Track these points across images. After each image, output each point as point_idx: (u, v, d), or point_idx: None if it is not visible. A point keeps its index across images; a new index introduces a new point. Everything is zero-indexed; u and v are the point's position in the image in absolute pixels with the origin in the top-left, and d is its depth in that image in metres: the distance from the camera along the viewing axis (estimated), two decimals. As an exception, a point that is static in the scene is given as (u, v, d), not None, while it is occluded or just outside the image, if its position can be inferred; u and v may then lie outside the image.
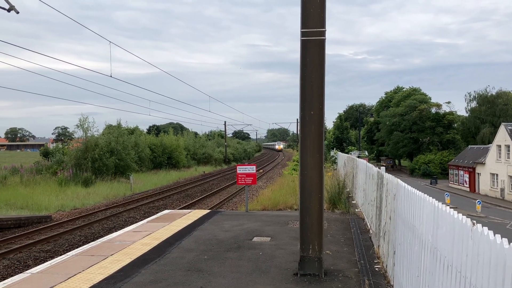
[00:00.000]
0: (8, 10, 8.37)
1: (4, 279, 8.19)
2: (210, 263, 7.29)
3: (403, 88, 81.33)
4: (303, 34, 6.65)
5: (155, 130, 64.06)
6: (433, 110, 71.09)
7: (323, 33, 6.63)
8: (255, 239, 9.08)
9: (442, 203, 3.64)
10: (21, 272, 7.07)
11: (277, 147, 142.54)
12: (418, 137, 70.65)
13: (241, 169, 12.93)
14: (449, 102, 74.19)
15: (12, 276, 8.92)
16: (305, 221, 6.69)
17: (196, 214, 12.43)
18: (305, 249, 6.68)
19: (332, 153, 41.69)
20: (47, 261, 9.80)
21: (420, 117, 68.98)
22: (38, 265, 7.57)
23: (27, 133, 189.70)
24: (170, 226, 10.52)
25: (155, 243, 8.80)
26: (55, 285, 6.26)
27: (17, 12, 8.39)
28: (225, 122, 71.94)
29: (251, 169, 12.94)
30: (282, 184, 25.63)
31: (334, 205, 13.73)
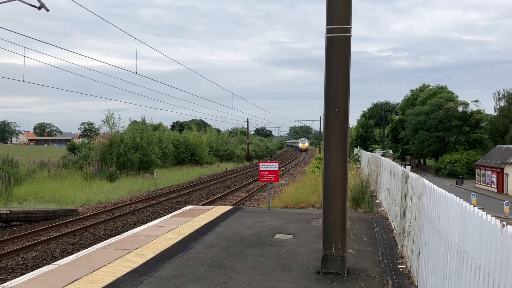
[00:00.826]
0: (39, 8, 8.57)
1: (33, 270, 8.42)
2: (233, 259, 7.33)
3: (429, 86, 79.84)
4: (328, 31, 6.59)
5: (179, 126, 64.74)
6: (460, 108, 69.56)
7: (348, 30, 6.57)
8: (277, 236, 9.08)
9: (470, 204, 3.56)
10: (49, 264, 7.26)
11: (300, 145, 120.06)
12: (444, 136, 69.27)
13: (263, 166, 12.93)
14: (476, 101, 72.36)
15: (40, 267, 9.17)
16: (328, 219, 6.65)
17: (218, 210, 12.50)
18: (327, 248, 6.64)
19: (355, 151, 41.27)
20: (73, 253, 10.03)
21: (446, 115, 67.61)
22: (65, 257, 7.76)
23: (54, 128, 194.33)
24: (193, 222, 10.62)
25: (178, 238, 8.90)
26: (81, 277, 6.40)
27: (47, 10, 8.59)
28: (247, 119, 72.12)
29: (274, 166, 12.93)
30: (305, 182, 25.56)
31: (358, 204, 13.61)
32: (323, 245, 6.69)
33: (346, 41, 6.56)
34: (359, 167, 28.69)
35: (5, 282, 6.30)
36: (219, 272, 6.67)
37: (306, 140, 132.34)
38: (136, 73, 17.72)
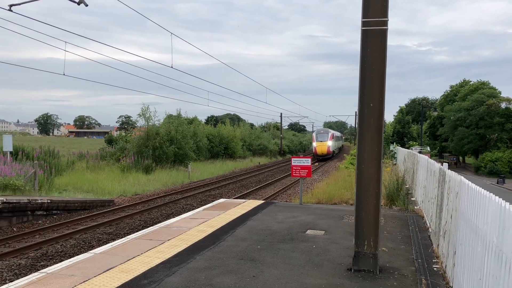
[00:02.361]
0: (78, 3, 8.80)
1: (71, 257, 8.72)
2: (263, 253, 7.34)
3: (470, 81, 77.10)
4: (364, 24, 6.45)
5: (213, 120, 65.22)
6: (503, 105, 66.80)
7: (385, 23, 6.40)
8: (308, 232, 9.03)
9: (510, 204, 3.41)
10: (85, 252, 7.49)
11: (315, 144, 56.22)
12: (485, 133, 66.79)
13: (296, 161, 12.86)
14: (521, 97, 69.34)
15: (77, 255, 9.48)
16: (361, 216, 6.54)
17: (250, 204, 12.54)
18: (360, 245, 6.54)
19: (391, 147, 40.44)
20: (109, 242, 10.30)
21: (488, 112, 65.13)
22: (101, 246, 7.98)
23: (93, 121, 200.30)
24: (225, 215, 10.70)
25: (210, 230, 8.99)
26: (115, 266, 6.56)
27: (86, 5, 8.81)
28: (281, 114, 71.87)
29: (306, 161, 12.83)
30: (338, 178, 25.28)
31: (392, 202, 13.34)
32: (355, 242, 6.59)
33: (382, 34, 6.41)
34: (395, 164, 28.11)
35: (45, 267, 6.54)
36: (250, 265, 6.69)
37: (329, 134, 58.59)
38: (172, 67, 17.97)
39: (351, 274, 6.36)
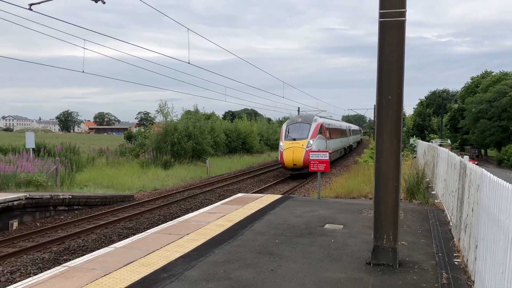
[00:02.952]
0: (96, 1, 8.91)
1: (92, 251, 8.87)
2: (281, 247, 7.34)
3: (492, 72, 75.41)
4: (381, 15, 6.36)
5: (230, 115, 65.39)
6: (527, 96, 65.22)
7: (403, 14, 6.30)
8: (327, 226, 8.99)
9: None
10: (106, 246, 7.61)
11: (282, 145, 27.39)
12: (508, 125, 65.30)
13: (313, 155, 12.80)
14: (545, 88, 67.58)
15: (99, 249, 9.64)
16: (380, 210, 6.48)
17: (268, 198, 12.55)
18: (379, 239, 6.48)
19: (411, 140, 39.93)
20: (129, 237, 10.44)
21: (511, 103, 63.71)
22: (121, 240, 8.09)
23: (113, 118, 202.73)
24: (243, 209, 10.73)
25: (228, 224, 9.03)
26: (136, 260, 6.65)
27: (104, 3, 8.90)
28: (298, 108, 71.38)
29: (324, 155, 12.76)
30: (357, 172, 25.09)
31: (412, 195, 13.18)
32: (374, 236, 6.54)
33: (400, 26, 6.31)
34: (415, 157, 27.77)
35: (68, 261, 6.68)
36: (268, 259, 6.70)
37: (315, 125, 28.56)
38: (189, 63, 18.07)
39: (370, 268, 6.31)
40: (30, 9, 9.30)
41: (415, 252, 7.15)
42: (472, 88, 76.17)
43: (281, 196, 13.45)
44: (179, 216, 14.29)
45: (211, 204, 15.11)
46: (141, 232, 8.78)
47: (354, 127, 67.55)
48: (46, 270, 6.65)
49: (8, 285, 5.74)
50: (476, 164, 6.45)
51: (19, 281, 6.03)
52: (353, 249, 7.29)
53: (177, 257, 6.82)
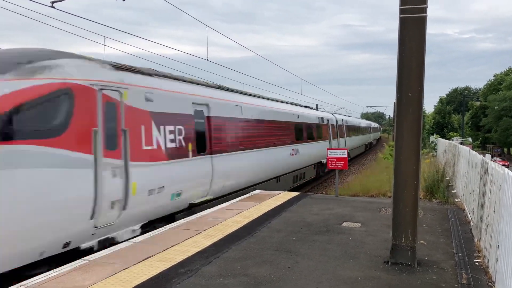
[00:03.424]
0: (116, -2, 9.01)
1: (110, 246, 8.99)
2: (298, 245, 7.33)
3: (516, 69, 73.76)
4: (402, 11, 6.28)
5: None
6: (552, 93, 63.61)
7: (424, 10, 6.20)
8: (344, 224, 8.94)
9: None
10: (124, 241, 7.71)
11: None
12: (532, 123, 63.86)
13: (331, 153, 12.73)
14: None
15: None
16: (398, 208, 6.41)
17: (285, 196, 12.54)
18: (397, 237, 6.42)
19: (431, 139, 39.38)
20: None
21: (535, 101, 62.19)
22: (140, 235, 8.19)
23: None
24: (260, 206, 10.74)
25: (245, 221, 9.05)
26: (154, 255, 6.73)
27: (124, 0, 9.01)
28: (316, 105, 71.09)
29: (342, 153, 12.68)
30: (375, 170, 24.89)
31: (432, 194, 12.99)
32: (392, 234, 6.47)
33: (421, 22, 6.21)
34: (435, 156, 27.37)
35: (86, 256, 6.79)
36: (285, 256, 6.70)
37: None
38: (207, 59, 18.11)
39: (388, 267, 6.26)
40: (52, 6, 9.46)
41: (434, 251, 7.05)
42: (495, 86, 74.64)
43: (298, 193, 13.41)
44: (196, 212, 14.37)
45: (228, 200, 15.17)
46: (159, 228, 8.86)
47: (374, 124, 64.74)
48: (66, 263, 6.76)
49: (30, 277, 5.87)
50: (507, 166, 6.33)
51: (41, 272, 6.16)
52: (371, 247, 7.23)
53: (194, 252, 6.87)
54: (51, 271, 6.03)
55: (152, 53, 17.00)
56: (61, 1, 9.38)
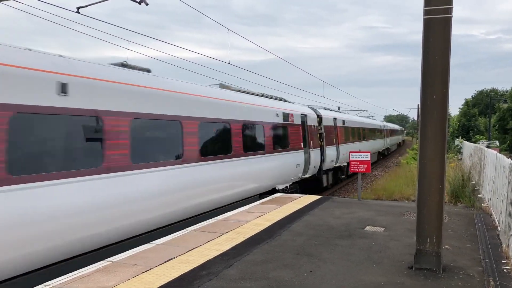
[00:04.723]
0: (139, 2, 9.12)
1: (132, 248, 9.08)
2: (320, 249, 7.26)
3: (545, 70, 71.71)
4: (426, 12, 6.17)
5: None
6: None
7: (449, 11, 6.08)
8: (367, 228, 8.82)
9: None
10: (147, 243, 7.78)
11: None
12: (563, 126, 61.93)
13: (354, 156, 12.60)
14: None
15: (140, 245, 9.85)
16: (423, 213, 6.29)
17: (306, 199, 12.46)
18: (421, 242, 6.29)
19: (456, 142, 38.59)
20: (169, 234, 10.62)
21: None
22: (161, 237, 8.25)
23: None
24: (281, 209, 10.70)
25: (266, 224, 9.03)
26: (176, 257, 6.77)
27: (147, 4, 9.12)
28: (338, 107, 70.65)
29: (365, 156, 12.54)
30: (399, 174, 24.54)
31: (457, 198, 12.74)
32: (417, 239, 6.35)
33: (446, 23, 6.09)
34: (460, 159, 26.81)
35: (109, 257, 6.87)
36: (306, 260, 6.64)
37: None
38: (229, 63, 18.19)
39: (412, 273, 6.14)
40: (78, 12, 9.65)
41: (460, 257, 6.89)
42: (523, 87, 72.67)
43: (320, 196, 13.31)
44: (218, 214, 14.41)
45: (249, 203, 15.15)
46: (181, 230, 8.90)
47: (390, 126, 52.32)
48: (89, 265, 6.86)
49: (56, 277, 5.98)
50: None
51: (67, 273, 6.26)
52: (395, 252, 7.11)
53: (215, 255, 6.88)
54: (76, 272, 6.13)
55: (174, 57, 17.15)
56: (86, 6, 9.57)
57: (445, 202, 9.02)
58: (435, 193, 6.22)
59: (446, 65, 6.12)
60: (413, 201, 15.48)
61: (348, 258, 6.75)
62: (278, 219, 9.53)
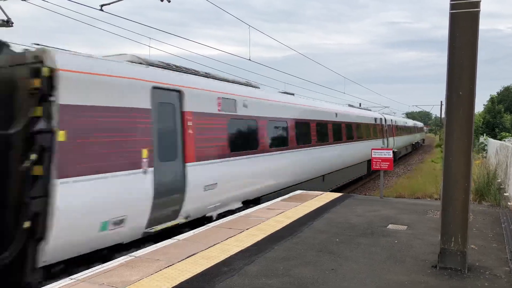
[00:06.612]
0: (162, 0, 9.21)
1: (155, 243, 9.18)
2: (342, 247, 7.21)
3: None
4: (452, 6, 6.04)
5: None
6: None
7: (476, 4, 5.93)
8: (389, 226, 8.71)
9: None
10: (169, 238, 7.85)
11: None
12: None
13: (376, 153, 12.45)
14: None
15: (162, 240, 9.96)
16: (447, 211, 6.17)
17: (327, 196, 12.38)
18: (446, 241, 6.18)
19: (481, 139, 37.79)
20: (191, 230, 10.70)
21: None
22: (182, 233, 8.32)
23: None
24: (302, 207, 10.66)
25: (287, 221, 9.01)
26: (197, 252, 6.81)
27: (169, 1, 9.19)
28: (359, 104, 69.92)
29: (387, 153, 12.38)
30: (422, 171, 24.20)
31: (482, 197, 12.49)
32: (441, 238, 6.24)
33: (474, 17, 5.94)
34: (485, 157, 26.27)
35: (131, 252, 6.97)
36: (328, 258, 6.60)
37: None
38: (250, 59, 18.19)
39: (436, 272, 6.04)
40: (101, 9, 9.78)
41: (486, 257, 6.74)
42: (551, 83, 70.63)
43: (341, 194, 13.22)
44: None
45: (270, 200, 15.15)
46: (202, 226, 8.96)
47: (400, 121, 43.65)
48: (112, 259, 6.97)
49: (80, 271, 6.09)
50: None
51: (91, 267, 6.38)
52: (418, 251, 7.01)
53: (237, 251, 6.90)
54: (100, 266, 6.23)
55: (195, 54, 17.25)
56: (109, 4, 9.69)
57: (470, 201, 8.85)
58: (460, 191, 6.10)
59: (473, 61, 5.98)
60: (436, 199, 15.22)
61: (370, 257, 6.68)
62: (299, 217, 9.49)
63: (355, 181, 24.07)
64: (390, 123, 34.89)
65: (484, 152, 29.08)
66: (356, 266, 6.25)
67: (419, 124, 69.48)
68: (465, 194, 6.09)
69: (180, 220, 9.33)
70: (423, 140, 72.67)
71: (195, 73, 10.63)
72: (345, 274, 5.91)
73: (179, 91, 9.07)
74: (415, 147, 54.46)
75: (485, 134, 46.05)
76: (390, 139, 33.33)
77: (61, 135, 6.50)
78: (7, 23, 7.40)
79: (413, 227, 8.62)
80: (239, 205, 11.56)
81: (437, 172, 22.46)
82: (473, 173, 13.56)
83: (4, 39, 6.87)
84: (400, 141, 39.01)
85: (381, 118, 30.26)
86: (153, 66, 9.05)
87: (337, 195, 12.72)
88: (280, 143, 13.74)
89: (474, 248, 7.11)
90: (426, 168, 27.23)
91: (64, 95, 6.59)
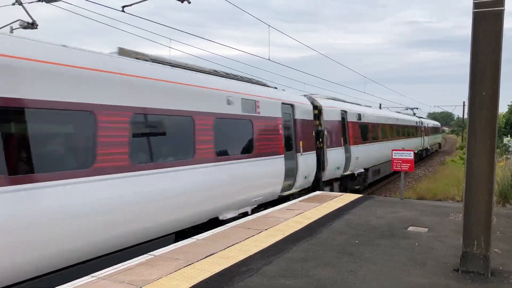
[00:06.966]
0: (182, 1, 9.28)
1: (176, 242, 9.27)
2: (361, 248, 7.15)
3: None
4: (476, 5, 5.92)
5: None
6: None
7: (501, 3, 5.81)
8: (410, 228, 8.60)
9: None
10: (187, 238, 7.92)
11: None
12: None
13: (396, 154, 12.31)
14: None
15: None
16: (470, 213, 6.06)
17: (347, 197, 12.29)
18: (468, 244, 6.07)
19: (505, 140, 36.98)
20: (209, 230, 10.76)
21: None
22: (200, 233, 8.37)
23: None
24: (321, 207, 10.61)
25: (306, 222, 8.98)
26: (216, 252, 6.84)
27: (189, 2, 9.26)
28: (380, 104, 69.11)
29: (408, 154, 12.22)
30: (443, 173, 23.81)
31: (506, 199, 12.22)
32: (463, 241, 6.13)
33: (498, 16, 5.82)
34: (509, 158, 25.67)
35: (152, 251, 7.05)
36: (347, 259, 6.55)
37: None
38: (269, 59, 18.19)
39: (458, 275, 5.93)
40: (122, 11, 9.92)
41: (510, 260, 6.59)
42: None
43: (360, 195, 13.11)
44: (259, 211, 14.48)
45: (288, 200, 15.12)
46: (221, 226, 9.01)
47: (407, 119, 34.23)
48: (133, 258, 7.06)
49: (101, 269, 6.19)
50: None
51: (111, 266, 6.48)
52: (439, 254, 6.90)
53: (255, 251, 6.91)
54: (120, 264, 6.32)
55: (214, 54, 17.34)
56: (131, 5, 9.82)
57: (493, 203, 8.67)
58: (483, 193, 5.98)
59: (497, 61, 5.85)
60: (458, 201, 14.96)
61: (390, 259, 6.60)
62: (318, 217, 9.45)
63: (378, 181, 23.85)
64: (426, 125, 44.67)
65: (508, 154, 28.42)
66: (375, 268, 6.19)
67: (436, 124, 68.19)
68: (489, 196, 5.97)
69: (293, 190, 13.42)
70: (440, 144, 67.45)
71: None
72: (364, 276, 5.85)
73: (291, 105, 13.61)
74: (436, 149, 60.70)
75: (509, 135, 45.02)
76: (426, 137, 43.06)
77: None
78: (32, 25, 7.59)
79: (435, 230, 8.49)
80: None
81: (460, 173, 22.09)
82: (497, 175, 13.28)
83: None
84: (431, 139, 49.04)
85: (420, 121, 40.83)
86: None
87: (357, 196, 12.62)
88: (385, 136, 25.06)
89: (497, 252, 6.96)
90: (448, 169, 26.84)
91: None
